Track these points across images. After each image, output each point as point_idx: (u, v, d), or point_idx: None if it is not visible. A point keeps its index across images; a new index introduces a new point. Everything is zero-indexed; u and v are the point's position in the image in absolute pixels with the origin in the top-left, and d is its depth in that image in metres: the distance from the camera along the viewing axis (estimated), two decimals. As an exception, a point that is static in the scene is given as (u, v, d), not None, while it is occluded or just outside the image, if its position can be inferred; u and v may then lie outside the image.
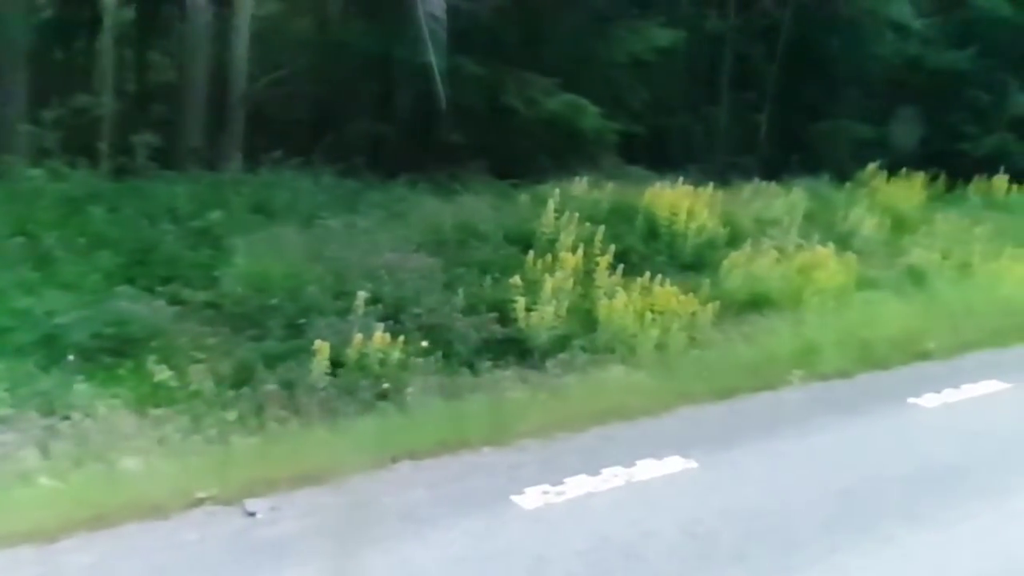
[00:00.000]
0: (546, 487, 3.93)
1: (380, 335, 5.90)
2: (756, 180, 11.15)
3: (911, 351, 6.47)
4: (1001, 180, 15.11)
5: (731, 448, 4.46)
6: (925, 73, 16.42)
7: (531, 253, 7.47)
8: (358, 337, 5.89)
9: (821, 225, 10.83)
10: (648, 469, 4.18)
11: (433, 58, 10.29)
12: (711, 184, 11.45)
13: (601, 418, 4.80)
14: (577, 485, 3.97)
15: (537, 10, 11.06)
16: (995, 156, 16.42)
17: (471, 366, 6.40)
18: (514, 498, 3.81)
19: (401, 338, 5.98)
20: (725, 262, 8.50)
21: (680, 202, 9.03)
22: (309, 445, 4.39)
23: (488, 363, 6.45)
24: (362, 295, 6.33)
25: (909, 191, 12.42)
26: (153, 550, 3.34)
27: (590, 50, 11.18)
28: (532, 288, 7.12)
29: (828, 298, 8.48)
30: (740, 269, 8.66)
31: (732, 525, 3.66)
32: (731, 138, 14.79)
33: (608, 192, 9.14)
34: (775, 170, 13.72)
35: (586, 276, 7.61)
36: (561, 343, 6.91)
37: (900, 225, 11.36)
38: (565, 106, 10.32)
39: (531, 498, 3.84)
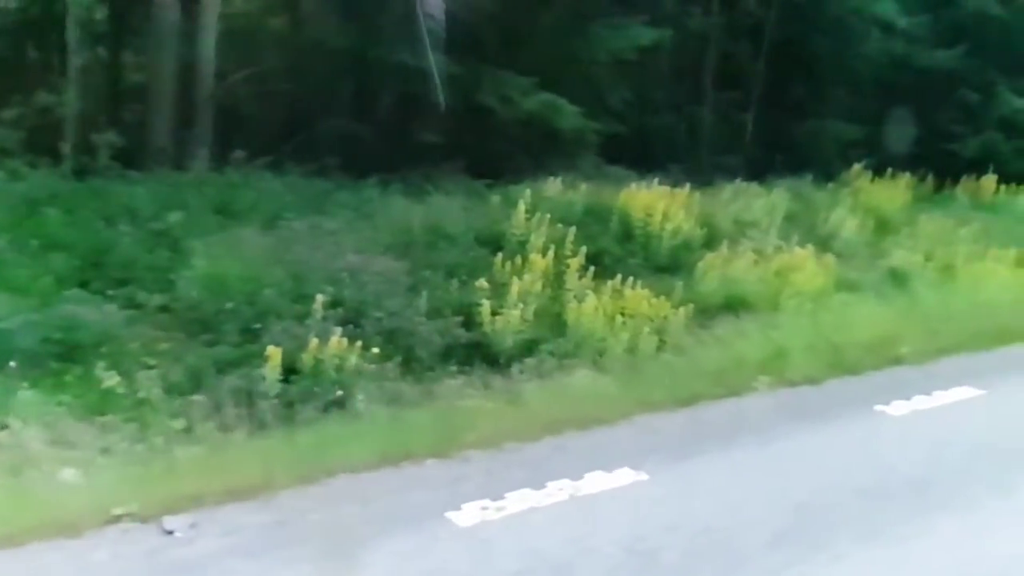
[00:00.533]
0: (486, 502, 3.76)
1: (337, 340, 5.74)
2: (738, 181, 10.97)
3: (884, 356, 6.31)
4: (989, 181, 14.98)
5: (685, 459, 4.30)
6: (913, 72, 16.26)
7: (499, 256, 7.31)
8: (314, 342, 5.74)
9: (803, 226, 10.68)
10: (596, 482, 4.02)
11: (432, 58, 10.23)
12: (692, 185, 11.39)
13: (555, 427, 4.64)
14: (518, 500, 3.80)
15: (516, 8, 10.91)
16: (984, 156, 16.32)
17: (433, 372, 6.26)
18: (450, 515, 3.64)
19: (359, 343, 5.82)
20: (700, 264, 8.35)
21: (656, 203, 8.86)
22: (248, 456, 4.23)
23: (452, 368, 6.30)
24: (321, 298, 6.16)
25: (894, 192, 12.26)
26: (56, 571, 3.17)
27: (570, 49, 11.01)
28: (499, 291, 6.97)
29: (805, 301, 8.34)
30: (716, 271, 8.51)
31: (676, 542, 3.49)
32: (716, 138, 14.63)
33: (582, 193, 8.98)
34: (761, 170, 13.57)
35: (557, 279, 7.47)
36: (528, 348, 6.75)
37: (883, 226, 11.22)
38: (542, 106, 10.16)
39: (468, 514, 3.67)
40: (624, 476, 4.09)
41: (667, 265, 8.70)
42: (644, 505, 3.80)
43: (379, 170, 9.58)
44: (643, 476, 4.09)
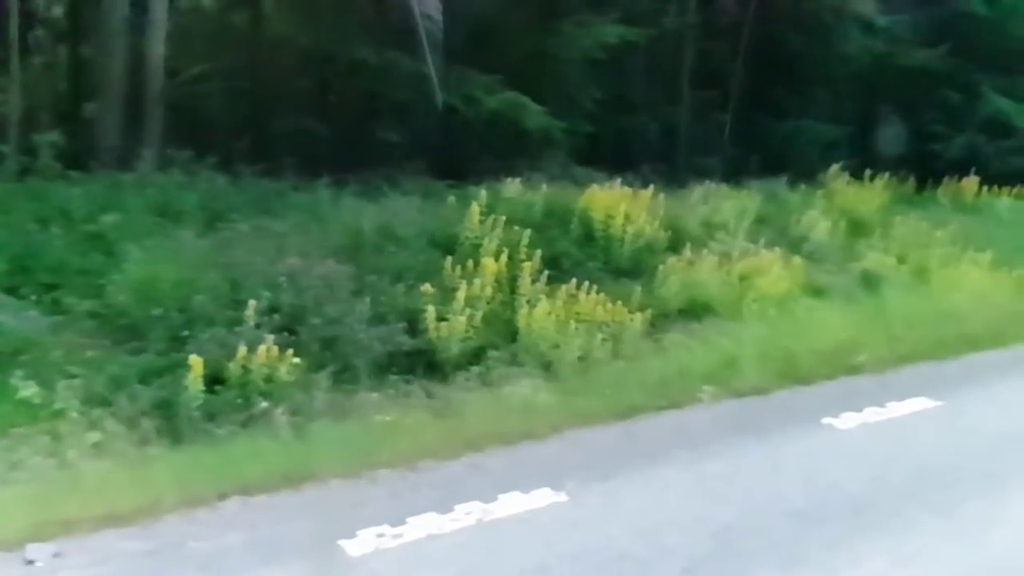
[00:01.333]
0: (384, 528, 3.50)
1: (265, 348, 5.49)
2: (709, 182, 10.73)
3: (840, 364, 6.07)
4: (971, 182, 14.77)
5: (610, 478, 4.05)
6: (895, 72, 16.07)
7: (449, 259, 7.06)
8: (242, 351, 5.50)
9: (774, 229, 10.45)
10: (509, 504, 3.76)
11: (429, 58, 10.02)
12: (667, 186, 11.15)
13: (479, 443, 4.39)
14: (420, 525, 3.54)
15: (482, 5, 10.68)
16: (967, 157, 16.13)
17: (371, 381, 6.02)
18: (343, 542, 3.38)
19: (289, 352, 5.56)
20: (661, 268, 8.10)
21: (618, 205, 8.62)
22: (146, 475, 3.97)
23: (392, 378, 6.05)
24: (253, 304, 5.92)
25: (870, 193, 12.02)
26: None
27: (538, 47, 10.77)
28: (448, 296, 6.73)
29: (769, 306, 8.12)
30: (678, 275, 8.27)
31: (583, 572, 3.25)
32: (694, 139, 14.42)
33: (543, 194, 8.72)
34: (740, 171, 13.36)
35: (511, 283, 7.23)
36: (476, 355, 6.52)
37: (858, 228, 10.99)
38: (506, 104, 9.93)
39: (362, 542, 3.40)
40: (541, 497, 3.83)
41: (629, 269, 8.46)
42: (556, 530, 3.55)
43: (338, 170, 9.33)
44: (562, 497, 3.85)
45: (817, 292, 8.97)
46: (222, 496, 3.71)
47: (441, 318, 6.47)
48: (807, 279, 9.25)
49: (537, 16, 11.17)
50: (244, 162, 8.95)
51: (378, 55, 9.40)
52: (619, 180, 9.30)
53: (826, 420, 5.01)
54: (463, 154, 10.27)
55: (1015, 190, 14.89)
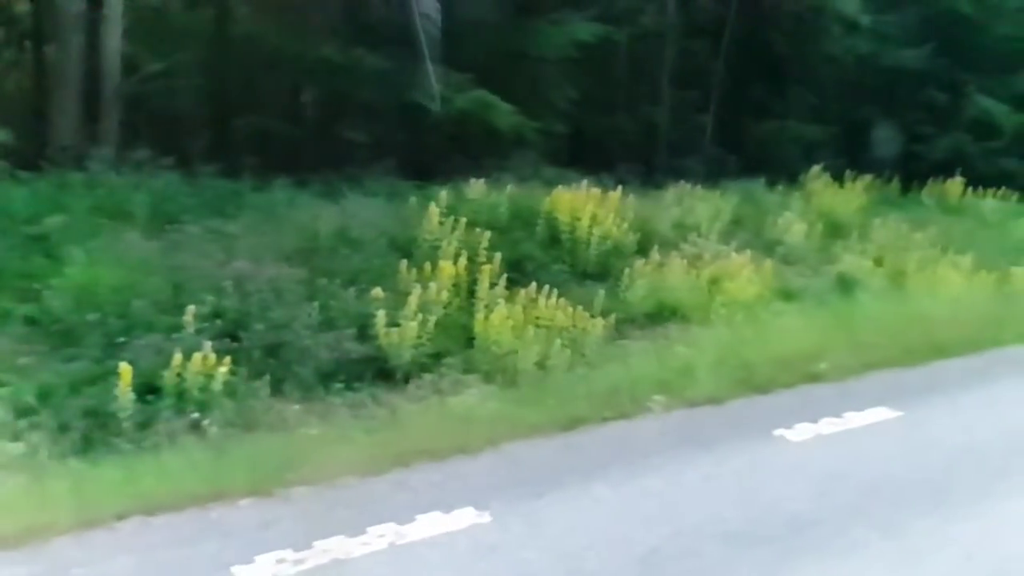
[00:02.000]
0: (286, 553, 3.28)
1: (202, 356, 5.29)
2: (684, 183, 10.53)
3: (801, 372, 5.87)
4: (956, 183, 14.59)
5: (541, 496, 3.85)
6: (880, 72, 15.89)
7: (404, 262, 6.86)
8: (177, 358, 5.30)
9: (750, 231, 10.27)
10: (426, 526, 3.55)
11: (428, 58, 9.83)
12: (644, 186, 10.96)
13: (408, 458, 4.18)
14: (326, 550, 3.31)
15: (455, 1, 10.47)
16: (952, 158, 15.96)
17: (317, 390, 5.82)
18: (237, 569, 3.18)
19: (227, 359, 5.36)
20: (627, 271, 7.91)
21: (585, 206, 8.42)
22: (51, 492, 3.77)
23: (339, 386, 5.85)
24: (192, 309, 5.72)
25: (850, 195, 11.84)
26: None
27: (510, 45, 10.57)
28: (403, 301, 6.53)
29: (738, 311, 7.93)
30: (645, 279, 8.08)
31: (492, 601, 3.06)
32: (675, 139, 14.21)
33: (508, 195, 8.52)
34: (721, 172, 13.19)
35: (469, 287, 7.04)
36: (429, 362, 6.34)
37: (836, 231, 10.80)
38: (475, 103, 9.71)
39: (258, 569, 3.19)
40: (463, 518, 3.63)
41: (595, 272, 8.26)
42: (471, 554, 3.35)
43: (303, 170, 9.14)
44: (485, 518, 3.64)
45: (789, 296, 8.79)
46: (121, 516, 3.51)
47: (393, 324, 6.29)
48: (780, 282, 9.07)
49: (511, 13, 10.98)
50: (205, 161, 8.75)
51: (344, 53, 9.19)
52: (589, 181, 9.07)
53: (778, 431, 4.81)
54: (432, 154, 10.08)
55: (1000, 191, 14.73)
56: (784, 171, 12.94)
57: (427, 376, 6.20)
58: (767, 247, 9.91)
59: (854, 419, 5.10)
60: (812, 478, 4.25)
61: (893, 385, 5.86)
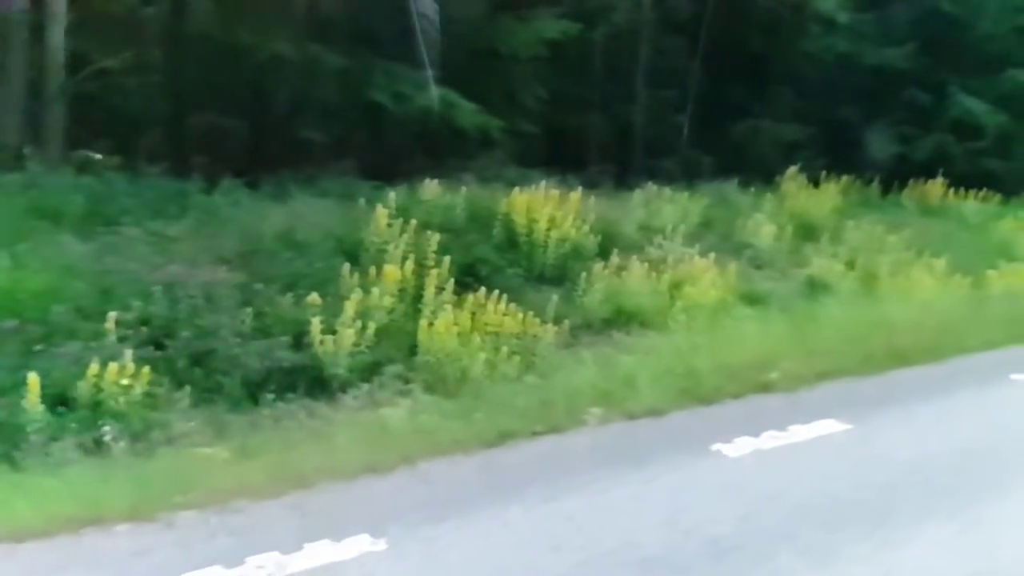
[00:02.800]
0: (155, 585, 3.07)
1: (117, 365, 5.04)
2: (652, 184, 10.28)
3: (750, 381, 5.62)
4: (936, 184, 14.36)
5: (445, 520, 3.59)
6: (861, 71, 15.65)
7: (347, 266, 6.61)
8: (93, 368, 5.05)
9: (719, 233, 10.03)
10: (312, 556, 3.28)
11: (426, 58, 9.67)
12: (617, 187, 10.72)
13: (312, 477, 3.93)
14: (199, 583, 3.11)
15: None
16: (935, 159, 15.73)
17: (248, 400, 5.57)
18: (98, 603, 2.96)
19: (146, 368, 5.11)
20: (584, 275, 7.66)
21: (544, 208, 8.17)
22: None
23: (269, 396, 5.59)
24: (113, 316, 5.47)
25: (825, 196, 11.60)
26: None
27: (475, 42, 10.33)
28: (344, 307, 6.28)
29: (699, 316, 7.69)
30: (604, 283, 7.84)
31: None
32: (651, 139, 13.97)
33: (465, 196, 8.26)
34: (697, 173, 12.96)
35: (416, 292, 6.79)
36: (369, 371, 6.08)
37: (809, 233, 10.56)
38: (436, 102, 9.46)
39: (117, 603, 2.98)
40: (354, 546, 3.37)
41: (553, 276, 8.02)
42: (357, 587, 3.12)
43: (258, 170, 8.89)
44: (379, 546, 3.39)
45: (754, 300, 8.54)
46: (-16, 543, 3.27)
47: (330, 331, 6.04)
48: (746, 286, 8.82)
49: (477, 10, 10.73)
50: (156, 161, 8.50)
51: (301, 50, 8.93)
52: (549, 182, 8.82)
53: (716, 446, 4.56)
54: (394, 154, 9.83)
55: (982, 193, 14.51)
56: (762, 172, 12.70)
57: (365, 386, 5.94)
58: (735, 250, 9.67)
59: (799, 432, 4.85)
60: (744, 498, 4.01)
61: (846, 395, 5.61)
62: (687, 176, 12.79)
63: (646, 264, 8.17)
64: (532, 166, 11.14)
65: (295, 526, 3.51)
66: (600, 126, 13.28)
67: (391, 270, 6.64)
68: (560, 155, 12.56)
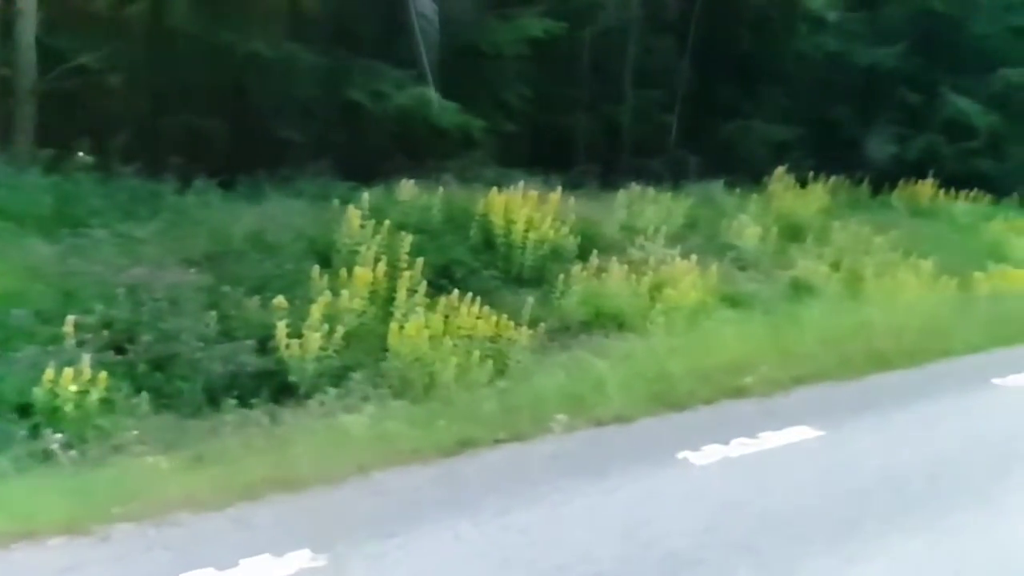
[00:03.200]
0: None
1: (72, 371, 4.92)
2: (635, 184, 10.14)
3: (724, 386, 5.49)
4: (927, 185, 14.24)
5: (392, 536, 3.40)
6: (852, 71, 15.54)
7: (316, 268, 6.48)
8: (48, 373, 4.93)
9: (704, 234, 9.91)
10: (250, 571, 3.10)
11: (425, 58, 9.60)
12: (603, 188, 10.59)
13: (260, 488, 3.79)
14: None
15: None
16: (926, 159, 15.61)
17: (209, 406, 5.45)
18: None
19: (103, 374, 4.99)
20: (561, 277, 7.54)
21: (522, 209, 8.04)
22: None
23: (231, 402, 5.46)
24: (71, 319, 5.35)
25: (812, 197, 11.48)
26: None
27: (457, 40, 10.20)
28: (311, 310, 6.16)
29: (680, 318, 7.57)
30: (582, 285, 7.72)
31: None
32: (639, 139, 13.83)
33: (442, 197, 8.14)
34: (686, 173, 12.84)
35: (389, 295, 6.66)
36: (338, 376, 5.96)
37: (794, 234, 10.44)
38: (414, 100, 9.33)
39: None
40: (293, 562, 3.20)
41: (530, 278, 7.90)
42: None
43: (235, 170, 8.75)
44: (319, 562, 3.24)
45: (736, 302, 8.42)
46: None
47: (297, 334, 5.92)
48: (729, 288, 8.71)
49: (460, 8, 10.60)
50: (130, 160, 8.36)
51: (277, 49, 8.80)
52: (530, 182, 8.69)
53: (683, 454, 4.44)
54: (372, 154, 9.69)
55: (973, 193, 14.39)
56: (751, 172, 12.59)
57: (333, 391, 5.81)
58: (719, 251, 9.55)
59: (769, 439, 4.72)
60: (707, 509, 3.88)
61: (821, 401, 5.49)
62: (675, 176, 12.65)
63: (626, 266, 8.06)
64: (516, 166, 10.99)
65: (235, 540, 3.38)
66: (587, 126, 13.15)
67: (362, 272, 6.52)
68: (546, 155, 12.42)
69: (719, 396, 5.39)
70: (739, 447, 4.60)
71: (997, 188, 15.09)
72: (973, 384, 6.04)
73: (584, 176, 11.30)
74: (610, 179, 11.26)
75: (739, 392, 5.49)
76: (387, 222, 7.17)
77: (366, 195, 7.36)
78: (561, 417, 4.82)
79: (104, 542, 3.33)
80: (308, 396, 5.76)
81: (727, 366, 5.77)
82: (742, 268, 9.41)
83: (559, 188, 8.59)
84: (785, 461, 4.54)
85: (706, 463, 4.39)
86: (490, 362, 6.18)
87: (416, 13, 10.07)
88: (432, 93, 9.59)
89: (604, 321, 7.64)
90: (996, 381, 6.12)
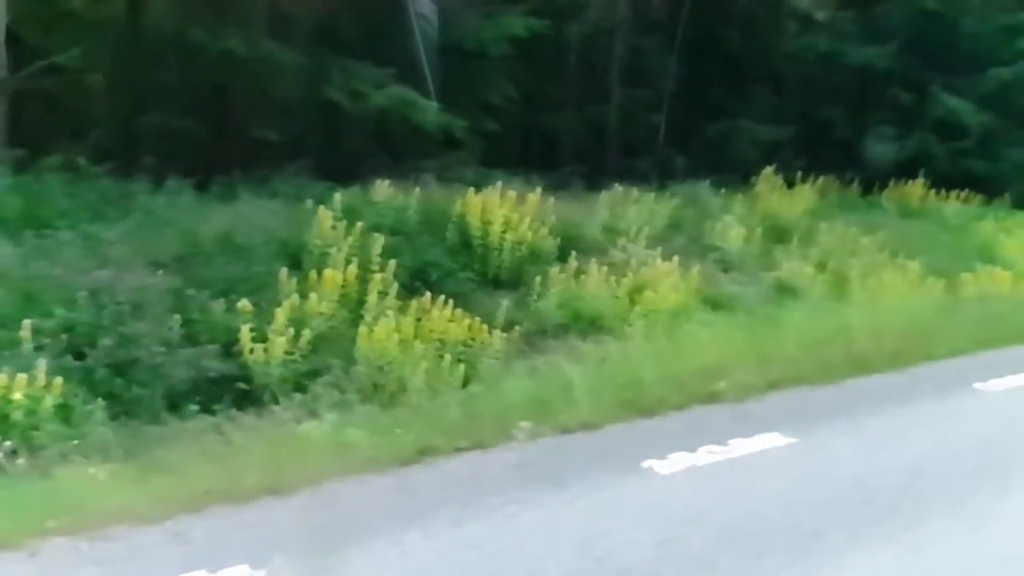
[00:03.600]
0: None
1: (24, 376, 4.79)
2: (619, 185, 10.00)
3: (697, 392, 5.36)
4: (917, 185, 14.10)
5: (335, 550, 3.13)
6: (843, 71, 15.42)
7: (284, 271, 6.35)
8: (2, 378, 4.80)
9: (688, 235, 9.77)
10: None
11: (424, 58, 9.57)
12: (590, 188, 10.46)
13: (205, 500, 3.64)
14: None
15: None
16: (917, 159, 15.49)
17: (169, 412, 5.32)
18: None
19: (59, 379, 4.86)
20: (538, 279, 7.41)
21: (500, 210, 7.91)
22: None
23: (193, 408, 5.34)
24: (28, 324, 5.22)
25: (799, 198, 11.35)
26: None
27: (439, 38, 10.07)
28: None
29: (659, 321, 7.44)
30: (561, 287, 7.60)
31: None
32: (626, 139, 13.72)
33: (419, 198, 8.00)
34: (674, 174, 12.72)
35: (361, 297, 6.54)
36: (303, 381, 5.84)
37: (781, 235, 10.30)
38: (394, 100, 9.21)
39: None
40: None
41: (508, 280, 7.78)
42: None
43: (212, 170, 8.63)
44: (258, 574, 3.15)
45: (717, 305, 8.30)
46: None
47: (263, 339, 5.79)
48: (711, 290, 8.59)
49: (442, 6, 10.48)
50: (104, 160, 8.24)
51: (254, 47, 8.67)
52: (511, 183, 8.56)
53: (648, 463, 4.30)
54: (352, 154, 9.57)
55: (964, 194, 14.26)
56: (740, 172, 12.48)
57: (298, 397, 5.70)
58: (704, 252, 9.44)
59: (739, 447, 4.59)
60: (668, 520, 3.75)
61: (796, 406, 5.36)
62: (662, 177, 12.56)
63: (605, 268, 7.94)
64: (501, 167, 10.87)
65: (171, 555, 3.25)
66: (574, 126, 13.03)
67: (331, 274, 6.39)
68: (533, 156, 12.35)
69: (691, 402, 5.25)
70: (706, 455, 4.46)
71: (989, 188, 14.95)
72: (954, 388, 5.90)
73: (570, 177, 11.20)
74: (596, 180, 11.13)
75: (712, 398, 5.35)
76: (359, 223, 7.05)
77: (338, 196, 7.24)
78: (525, 424, 4.69)
79: (32, 557, 3.20)
80: (273, 402, 5.64)
81: (702, 370, 5.63)
82: (726, 270, 9.29)
83: (539, 189, 8.46)
84: (753, 470, 4.40)
85: (671, 472, 4.26)
86: (462, 367, 6.08)
87: (416, 14, 9.97)
88: (429, 97, 9.57)
89: (582, 324, 7.51)
90: (977, 385, 5.98)
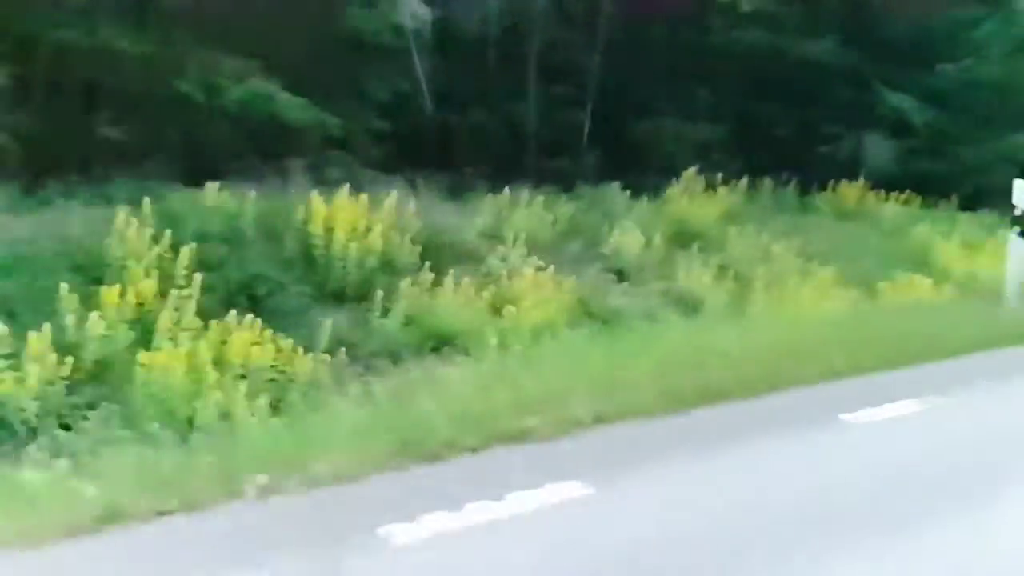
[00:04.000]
0: None
1: None
2: (511, 188, 9.23)
3: (500, 431, 4.53)
4: (855, 187, 13.38)
5: None
6: (781, 66, 14.62)
7: (64, 287, 5.54)
8: None
9: (585, 241, 9.02)
10: None
11: (416, 57, 9.46)
12: (492, 189, 9.70)
13: None
14: None
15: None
16: (858, 159, 14.80)
17: None
18: None
19: None
20: (380, 294, 6.63)
21: (350, 216, 7.13)
22: None
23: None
24: None
25: (716, 201, 10.60)
26: None
27: (311, 28, 9.28)
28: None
29: (521, 339, 6.67)
30: (412, 301, 6.83)
31: None
32: (547, 138, 12.91)
33: (254, 203, 7.20)
34: (599, 175, 12.00)
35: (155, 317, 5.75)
36: (70, 415, 5.06)
37: (688, 241, 9.54)
38: (253, 95, 8.41)
39: None
40: None
41: (355, 295, 6.99)
42: None
43: (43, 173, 7.81)
44: None
45: (600, 318, 7.55)
46: None
47: (13, 367, 4.99)
48: (596, 302, 7.85)
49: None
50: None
51: (90, 36, 7.86)
52: (348, 185, 7.68)
53: (385, 529, 3.45)
54: (215, 154, 8.76)
55: (905, 195, 13.54)
56: (667, 174, 11.73)
57: (62, 434, 4.93)
58: (599, 260, 8.69)
59: (518, 503, 3.76)
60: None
61: (611, 447, 4.52)
62: (584, 177, 11.85)
63: (467, 279, 7.16)
64: (396, 168, 10.14)
65: None
66: (488, 124, 12.23)
67: (111, 291, 5.60)
68: (438, 156, 11.56)
69: (490, 442, 4.43)
70: (472, 513, 3.62)
71: (937, 189, 14.27)
72: (815, 421, 5.07)
73: (468, 178, 10.45)
74: (506, 181, 10.34)
75: (517, 437, 4.52)
76: (167, 232, 6.24)
77: (147, 200, 6.43)
78: (261, 478, 3.87)
79: None
80: (29, 441, 4.88)
81: (523, 402, 4.82)
82: (620, 279, 8.53)
83: (418, 192, 7.73)
84: (522, 532, 3.56)
85: (407, 541, 3.43)
86: (262, 399, 5.31)
87: (410, 14, 9.43)
88: (427, 97, 9.48)
89: (433, 344, 6.75)
90: (844, 417, 5.16)
